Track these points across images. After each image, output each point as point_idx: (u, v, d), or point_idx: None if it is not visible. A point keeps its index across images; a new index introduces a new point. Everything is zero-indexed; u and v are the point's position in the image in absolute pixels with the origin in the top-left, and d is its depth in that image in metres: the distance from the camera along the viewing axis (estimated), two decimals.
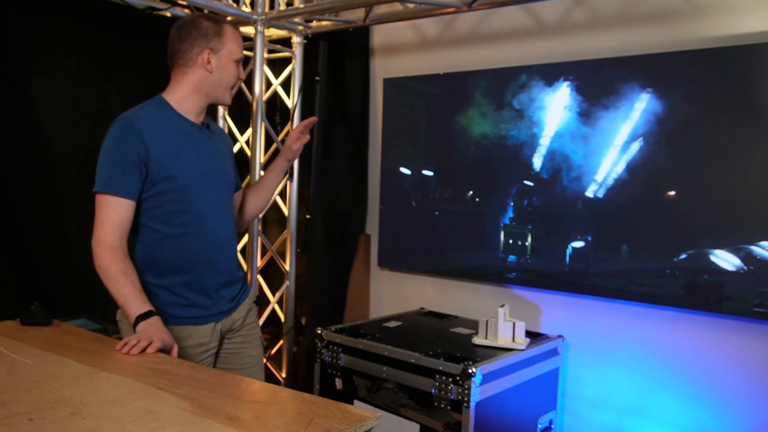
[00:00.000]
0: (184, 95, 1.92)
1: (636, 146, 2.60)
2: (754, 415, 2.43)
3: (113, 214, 1.78)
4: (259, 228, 3.29)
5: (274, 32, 3.36)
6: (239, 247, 2.74)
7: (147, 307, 1.73)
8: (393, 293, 3.52)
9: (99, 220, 1.79)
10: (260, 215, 2.25)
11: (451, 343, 2.59)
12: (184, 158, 1.88)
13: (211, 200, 1.94)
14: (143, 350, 1.61)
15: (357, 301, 3.57)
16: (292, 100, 3.37)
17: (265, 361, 3.19)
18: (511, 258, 2.97)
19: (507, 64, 2.99)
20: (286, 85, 3.43)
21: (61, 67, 2.81)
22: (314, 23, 3.35)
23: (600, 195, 2.70)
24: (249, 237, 3.28)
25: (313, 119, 2.20)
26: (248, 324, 2.10)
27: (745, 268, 2.38)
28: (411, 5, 2.92)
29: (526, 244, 2.92)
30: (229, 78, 1.95)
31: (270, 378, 3.34)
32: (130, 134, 1.81)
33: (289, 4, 3.25)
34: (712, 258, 2.44)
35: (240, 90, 3.30)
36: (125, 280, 1.74)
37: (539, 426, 2.64)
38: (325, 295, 3.55)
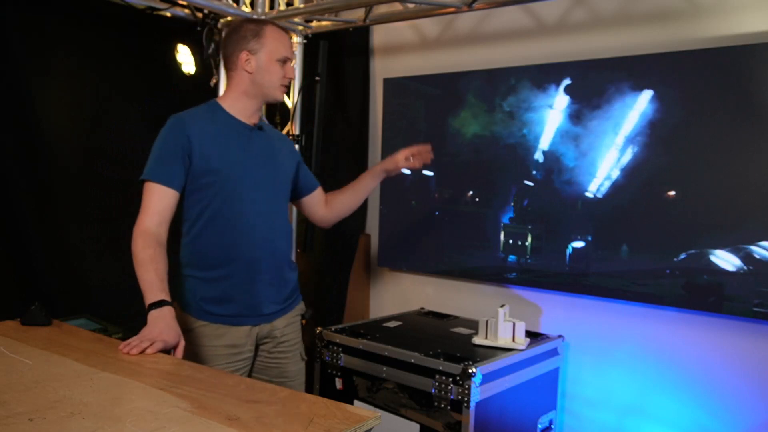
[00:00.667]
0: (235, 98, 1.99)
1: (636, 146, 2.60)
2: (754, 415, 2.43)
3: (155, 200, 1.84)
4: None
5: None
6: None
7: (162, 295, 1.73)
8: (393, 293, 3.52)
9: (142, 207, 1.85)
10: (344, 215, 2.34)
11: (451, 343, 2.59)
12: (230, 155, 1.92)
13: (257, 198, 1.96)
14: (143, 351, 1.61)
15: (357, 301, 3.57)
16: (292, 100, 3.37)
17: None
18: (511, 258, 2.97)
19: (506, 64, 2.99)
20: None
21: (61, 67, 2.81)
22: (314, 23, 3.34)
23: (600, 195, 2.70)
24: None
25: (427, 147, 2.25)
26: (289, 339, 2.07)
27: (745, 268, 2.38)
28: (411, 5, 2.92)
29: (526, 244, 2.92)
30: (272, 77, 1.97)
31: None
32: (175, 128, 1.89)
33: (289, 4, 3.25)
34: (712, 258, 2.44)
35: None
36: (149, 266, 1.76)
37: (539, 426, 2.64)
38: (325, 295, 3.55)
